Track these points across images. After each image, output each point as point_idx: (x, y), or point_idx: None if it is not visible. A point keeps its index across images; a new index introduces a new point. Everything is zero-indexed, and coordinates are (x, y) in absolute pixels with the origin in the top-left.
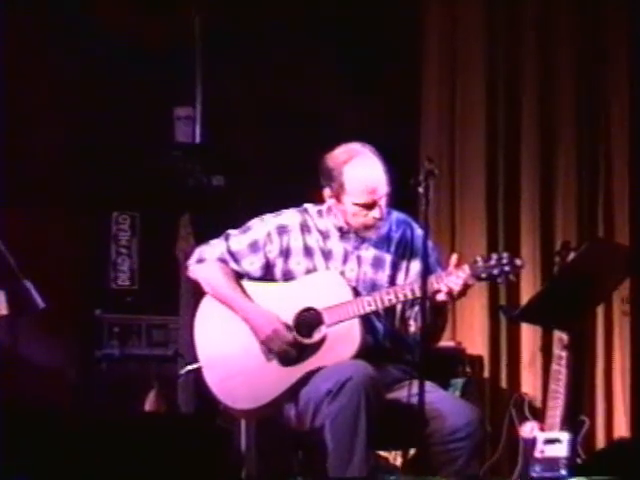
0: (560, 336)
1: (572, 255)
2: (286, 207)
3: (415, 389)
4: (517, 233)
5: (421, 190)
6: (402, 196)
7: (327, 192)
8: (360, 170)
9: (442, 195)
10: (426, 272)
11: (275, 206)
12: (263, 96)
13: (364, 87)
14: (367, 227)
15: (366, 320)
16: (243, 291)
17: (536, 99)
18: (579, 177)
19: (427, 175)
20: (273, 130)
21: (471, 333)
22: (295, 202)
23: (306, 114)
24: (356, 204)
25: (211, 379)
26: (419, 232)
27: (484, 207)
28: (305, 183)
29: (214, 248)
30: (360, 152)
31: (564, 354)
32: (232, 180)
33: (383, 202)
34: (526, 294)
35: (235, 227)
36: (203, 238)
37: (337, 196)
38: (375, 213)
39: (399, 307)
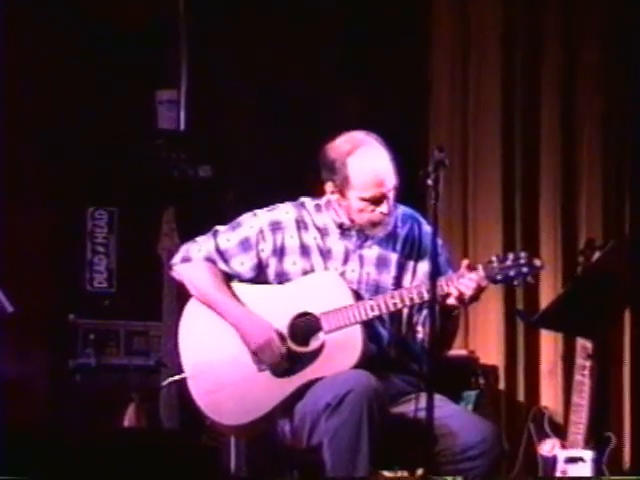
0: (583, 344)
1: (597, 254)
2: (281, 201)
3: (423, 403)
4: (536, 230)
5: (430, 182)
6: (409, 189)
7: (329, 186)
8: (366, 161)
9: (454, 188)
10: (435, 273)
11: (268, 200)
12: (256, 77)
13: (367, 69)
14: (374, 224)
15: (369, 326)
16: (233, 294)
17: (558, 85)
18: (604, 170)
19: (437, 166)
20: (267, 115)
21: (485, 340)
22: (291, 195)
23: (304, 98)
24: (362, 199)
25: (196, 391)
26: (427, 228)
27: (500, 202)
28: (302, 174)
29: (201, 246)
30: (365, 141)
31: (588, 364)
32: (221, 171)
33: (391, 196)
34: (546, 297)
35: (224, 223)
36: (189, 235)
37: (341, 191)
38: (383, 208)
39: (405, 312)
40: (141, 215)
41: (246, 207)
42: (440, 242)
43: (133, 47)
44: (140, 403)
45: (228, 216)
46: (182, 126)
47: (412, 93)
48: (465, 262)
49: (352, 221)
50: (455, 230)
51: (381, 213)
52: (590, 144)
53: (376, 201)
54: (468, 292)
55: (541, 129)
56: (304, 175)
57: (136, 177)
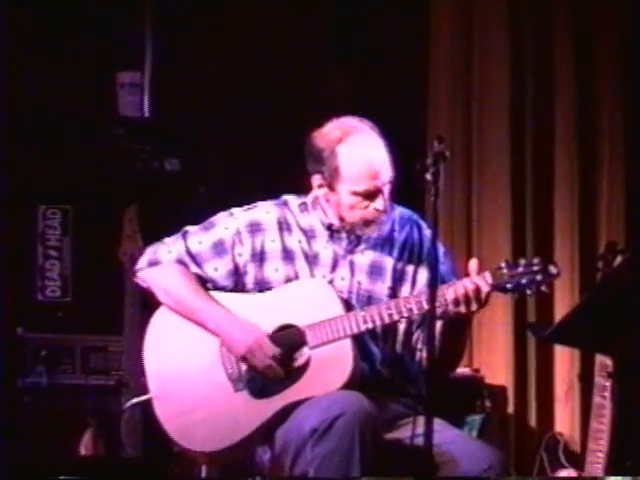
0: (603, 361)
1: (619, 259)
2: (259, 199)
3: (421, 427)
4: (550, 232)
5: (429, 177)
6: (405, 186)
7: (317, 179)
8: (358, 150)
9: (456, 184)
10: (435, 281)
11: (245, 198)
12: (231, 58)
13: (357, 47)
14: (367, 222)
15: (360, 342)
16: (212, 298)
17: (573, 69)
18: (627, 164)
19: (436, 158)
20: (243, 101)
21: (491, 358)
22: (271, 193)
23: (285, 81)
24: (354, 193)
25: (164, 413)
26: (429, 233)
27: (508, 199)
28: (284, 168)
29: (170, 247)
30: (357, 128)
31: (608, 384)
32: (190, 164)
33: (387, 190)
34: (561, 308)
35: (194, 224)
36: (153, 237)
37: (330, 184)
38: (377, 204)
39: (402, 327)
40: (99, 214)
41: (219, 206)
42: (443, 249)
43: (91, 23)
44: (98, 429)
45: (198, 216)
46: (146, 113)
47: (410, 77)
48: (474, 261)
49: (342, 219)
50: (457, 232)
51: (375, 210)
52: (611, 135)
53: (370, 196)
54: (461, 291)
55: (555, 116)
56: (286, 169)
57: (94, 171)
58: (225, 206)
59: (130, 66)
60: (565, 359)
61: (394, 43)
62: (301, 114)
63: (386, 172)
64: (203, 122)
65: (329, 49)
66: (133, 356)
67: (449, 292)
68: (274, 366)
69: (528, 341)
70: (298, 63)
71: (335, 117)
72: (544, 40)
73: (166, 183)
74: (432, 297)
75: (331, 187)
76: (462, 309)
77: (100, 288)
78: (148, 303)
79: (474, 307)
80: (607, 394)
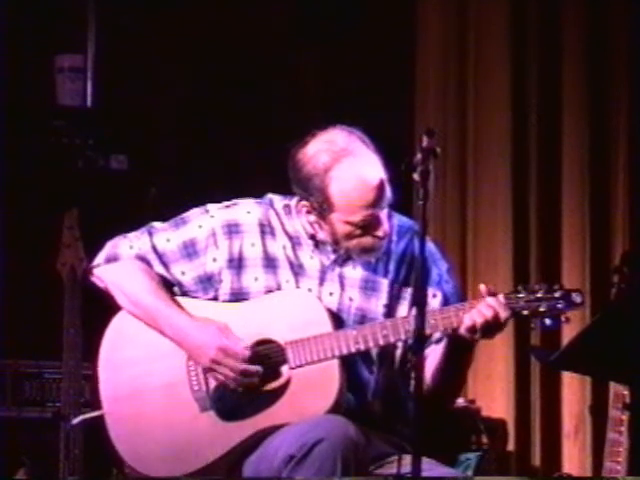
0: (619, 391)
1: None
2: (216, 201)
3: (408, 467)
4: (557, 240)
5: (417, 177)
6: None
7: (304, 206)
8: (352, 178)
9: (448, 186)
10: (421, 298)
11: (200, 200)
12: (188, 40)
13: (332, 26)
14: (366, 250)
15: (350, 367)
16: (174, 301)
17: (583, 49)
18: None
19: (425, 155)
20: (200, 89)
21: (489, 386)
22: (232, 194)
23: (250, 64)
24: (349, 223)
25: (116, 432)
26: (431, 245)
27: (509, 202)
28: (247, 165)
29: (132, 242)
30: (349, 150)
31: (625, 417)
32: (140, 161)
33: (385, 215)
34: (570, 329)
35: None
36: (97, 246)
37: (320, 213)
38: (378, 232)
39: (399, 352)
40: (34, 220)
41: (172, 209)
42: (446, 265)
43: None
44: (33, 468)
45: (149, 221)
46: (89, 102)
47: (392, 58)
48: (483, 287)
49: (337, 243)
50: (450, 241)
51: (374, 237)
52: (627, 125)
53: (367, 225)
54: (479, 320)
55: (564, 105)
56: (251, 167)
57: (28, 169)
58: (179, 209)
59: (71, 48)
60: (574, 388)
61: (373, 16)
62: (267, 103)
63: (385, 198)
64: (154, 113)
65: (295, 28)
66: (74, 384)
67: (466, 318)
68: (246, 374)
69: (532, 367)
70: (260, 45)
71: (305, 118)
72: (548, 19)
73: (112, 183)
74: (421, 318)
75: (322, 216)
76: (477, 337)
77: (35, 306)
78: (91, 322)
79: (491, 335)
80: (623, 429)
